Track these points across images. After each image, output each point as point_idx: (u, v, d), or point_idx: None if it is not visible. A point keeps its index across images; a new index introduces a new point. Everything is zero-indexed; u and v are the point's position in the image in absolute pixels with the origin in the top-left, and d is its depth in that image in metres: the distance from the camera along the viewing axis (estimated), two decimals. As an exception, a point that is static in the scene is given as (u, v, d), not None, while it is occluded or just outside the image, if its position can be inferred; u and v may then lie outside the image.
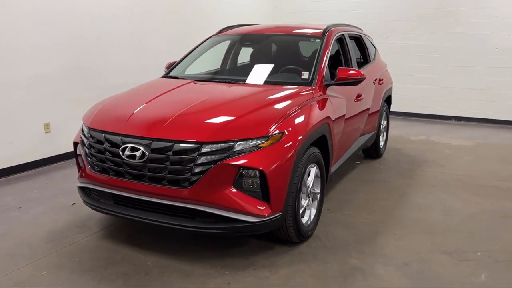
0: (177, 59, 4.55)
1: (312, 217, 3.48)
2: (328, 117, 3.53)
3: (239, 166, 2.77)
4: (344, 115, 3.99)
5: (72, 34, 5.31)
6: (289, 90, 3.56)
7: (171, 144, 2.83)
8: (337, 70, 3.78)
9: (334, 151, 3.80)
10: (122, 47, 5.99)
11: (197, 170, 2.78)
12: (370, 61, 5.33)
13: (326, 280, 2.87)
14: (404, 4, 8.41)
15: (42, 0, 4.93)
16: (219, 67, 5.00)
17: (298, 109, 3.21)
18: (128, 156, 2.91)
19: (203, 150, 2.78)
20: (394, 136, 7.01)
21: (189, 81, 3.92)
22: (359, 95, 4.43)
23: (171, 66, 4.44)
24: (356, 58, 5.26)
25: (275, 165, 2.84)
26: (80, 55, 5.45)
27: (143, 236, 3.45)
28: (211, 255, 3.16)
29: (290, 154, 2.93)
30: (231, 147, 2.79)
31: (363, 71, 4.69)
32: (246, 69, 4.16)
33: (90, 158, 3.17)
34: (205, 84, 3.89)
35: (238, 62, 4.98)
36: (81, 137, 3.30)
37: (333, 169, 3.94)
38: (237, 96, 3.48)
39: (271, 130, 2.89)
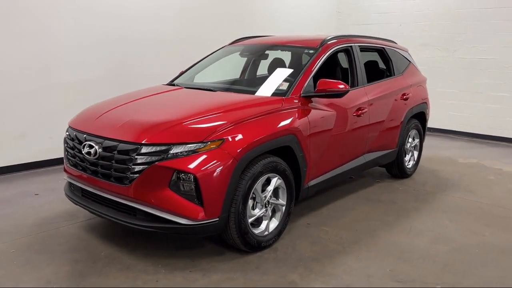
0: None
1: (273, 228, 3.45)
2: (295, 128, 3.47)
3: (173, 168, 2.89)
4: (330, 129, 3.87)
5: (114, 38, 5.85)
6: (256, 99, 3.58)
7: (116, 144, 3.05)
8: (318, 82, 3.70)
9: (310, 165, 3.70)
10: (165, 53, 6.41)
11: (136, 169, 2.95)
12: (393, 75, 5.06)
13: (251, 291, 2.85)
14: (475, 16, 7.74)
15: (86, 7, 5.54)
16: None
17: (251, 118, 3.22)
18: (86, 153, 3.19)
19: (142, 151, 2.94)
20: (441, 157, 6.51)
21: (178, 88, 4.13)
22: (360, 109, 4.25)
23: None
24: (380, 70, 5.08)
25: (209, 170, 2.90)
26: (122, 61, 5.98)
27: (117, 229, 3.71)
28: (162, 254, 3.30)
29: (228, 161, 2.96)
30: (168, 150, 2.92)
31: (377, 84, 4.55)
32: (241, 79, 4.24)
33: (66, 153, 3.52)
34: (188, 91, 4.04)
35: (247, 72, 5.09)
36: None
37: (313, 182, 3.84)
38: (198, 103, 3.59)
39: (210, 136, 2.96)
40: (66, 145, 3.53)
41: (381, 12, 8.85)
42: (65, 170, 3.57)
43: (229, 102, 3.52)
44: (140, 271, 3.06)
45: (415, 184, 5.18)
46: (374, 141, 4.62)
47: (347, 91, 3.71)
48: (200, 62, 4.76)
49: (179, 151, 2.92)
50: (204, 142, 2.94)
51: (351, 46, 4.44)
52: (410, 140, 5.35)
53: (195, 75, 4.65)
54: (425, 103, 5.51)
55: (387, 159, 4.99)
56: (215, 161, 2.93)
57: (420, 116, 5.50)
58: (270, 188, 3.37)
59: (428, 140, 7.74)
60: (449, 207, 4.46)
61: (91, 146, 3.16)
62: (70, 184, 3.62)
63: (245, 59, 5.12)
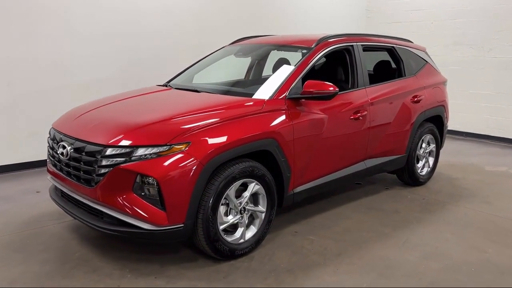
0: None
1: (250, 236, 3.31)
2: (276, 132, 3.30)
3: (135, 172, 2.82)
4: (320, 133, 3.67)
5: (128, 37, 5.90)
6: (235, 101, 3.44)
7: (84, 145, 3.02)
8: (304, 83, 3.51)
9: (295, 170, 3.52)
10: (181, 53, 6.39)
11: (101, 172, 2.91)
12: (403, 76, 4.75)
13: (210, 302, 2.72)
14: (513, 12, 7.18)
15: (102, 6, 5.62)
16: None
17: (225, 121, 3.10)
18: (61, 153, 3.18)
19: (106, 153, 2.89)
20: (466, 164, 6.07)
21: (167, 89, 4.07)
22: (358, 112, 4.01)
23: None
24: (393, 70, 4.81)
25: (172, 174, 2.81)
26: (135, 61, 6.02)
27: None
28: (133, 257, 3.24)
29: (193, 165, 2.85)
30: (131, 153, 2.85)
31: (381, 86, 4.31)
32: (240, 80, 4.11)
33: (48, 153, 3.55)
34: (174, 92, 3.96)
35: (251, 73, 4.97)
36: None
37: (299, 189, 3.65)
38: (175, 105, 3.51)
39: (174, 139, 2.87)
40: (48, 145, 3.56)
41: (412, 9, 8.41)
42: (47, 170, 3.60)
43: (206, 104, 3.42)
44: (105, 275, 3.01)
45: (427, 193, 4.84)
46: (377, 146, 4.35)
47: (335, 93, 3.49)
48: (199, 63, 4.68)
49: (143, 153, 2.84)
50: (169, 145, 2.85)
51: (351, 46, 4.20)
52: (423, 145, 5.01)
53: (194, 75, 4.58)
54: (442, 106, 5.14)
55: (395, 166, 4.69)
56: (178, 165, 2.83)
57: (437, 120, 5.14)
58: (247, 194, 3.23)
59: (457, 145, 7.28)
60: (456, 219, 4.11)
61: (63, 147, 3.16)
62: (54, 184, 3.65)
63: (250, 59, 5.02)
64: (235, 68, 5.30)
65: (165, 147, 2.84)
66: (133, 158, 2.84)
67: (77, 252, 3.32)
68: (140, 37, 6.03)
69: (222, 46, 4.83)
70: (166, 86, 4.25)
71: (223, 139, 3.01)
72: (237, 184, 3.14)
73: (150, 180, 2.82)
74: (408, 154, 4.75)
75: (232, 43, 4.83)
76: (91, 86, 5.71)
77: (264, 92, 3.56)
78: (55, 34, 5.34)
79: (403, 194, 4.79)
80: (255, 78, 4.94)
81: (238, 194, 3.23)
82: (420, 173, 5.03)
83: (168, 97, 3.81)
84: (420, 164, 5.03)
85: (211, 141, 2.96)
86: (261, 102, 3.40)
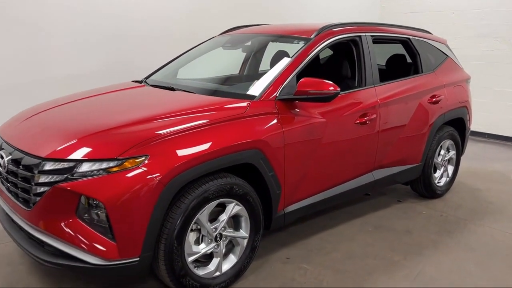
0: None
1: (227, 267, 2.72)
2: (262, 141, 2.70)
3: (77, 192, 2.24)
4: (319, 141, 3.06)
5: (108, 33, 5.31)
6: (213, 103, 2.84)
7: (22, 156, 2.45)
8: (298, 82, 2.89)
9: (286, 186, 2.92)
10: (174, 44, 5.77)
11: (38, 190, 2.33)
12: (421, 72, 4.08)
13: None
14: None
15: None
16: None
17: (195, 128, 2.50)
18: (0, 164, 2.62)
19: (44, 168, 2.32)
20: (490, 172, 5.40)
21: (140, 86, 3.48)
22: (365, 115, 3.38)
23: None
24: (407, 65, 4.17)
25: (124, 196, 2.22)
26: (119, 54, 5.43)
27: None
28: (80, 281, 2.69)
29: (151, 185, 2.26)
30: (73, 168, 2.27)
31: (394, 84, 3.71)
32: (229, 76, 3.52)
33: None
34: (146, 90, 3.37)
35: (247, 67, 4.35)
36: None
37: (292, 208, 3.05)
38: (140, 107, 2.91)
39: (127, 151, 2.28)
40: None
41: (431, -3, 7.68)
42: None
43: (177, 106, 2.82)
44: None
45: (445, 208, 4.19)
46: (388, 154, 3.71)
47: (336, 94, 2.87)
48: (184, 55, 4.08)
49: (88, 169, 2.26)
50: (120, 159, 2.26)
51: (359, 36, 3.56)
52: (442, 152, 4.35)
53: (178, 70, 3.97)
54: (464, 107, 4.46)
55: (408, 176, 4.05)
56: (132, 184, 2.24)
57: (458, 123, 4.47)
58: (224, 217, 2.63)
59: (478, 148, 6.58)
60: (481, 244, 3.47)
61: (1, 157, 2.60)
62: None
63: (243, 51, 4.41)
64: (230, 61, 4.70)
65: (115, 161, 2.26)
66: (75, 175, 2.26)
67: (22, 282, 2.77)
68: (127, 26, 5.42)
69: (211, 37, 4.21)
70: (141, 82, 3.66)
71: (192, 150, 2.41)
72: (211, 205, 2.55)
73: (96, 204, 2.25)
74: (424, 163, 4.11)
75: (223, 33, 4.21)
76: (71, 82, 5.12)
77: (251, 91, 2.95)
78: (27, 22, 4.76)
79: (418, 209, 4.14)
80: (250, 73, 4.33)
81: (214, 217, 2.64)
82: (438, 184, 4.38)
83: (135, 96, 3.22)
84: (437, 174, 4.38)
85: (176, 153, 2.36)
86: (244, 104, 2.79)
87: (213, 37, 4.18)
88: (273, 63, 3.72)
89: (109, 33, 5.26)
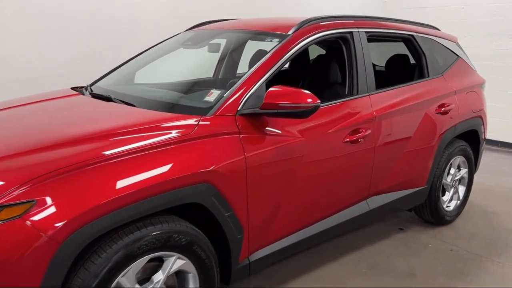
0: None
1: None
2: (214, 172, 2.01)
3: None
4: (295, 167, 2.38)
5: (74, 33, 4.64)
6: (149, 121, 2.15)
7: None
8: (266, 92, 2.20)
9: (250, 228, 2.24)
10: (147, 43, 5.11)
11: None
12: (427, 75, 3.39)
13: None
14: None
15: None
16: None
17: (117, 157, 1.82)
18: None
19: None
20: (508, 190, 4.67)
21: (74, 94, 2.80)
22: (357, 131, 2.69)
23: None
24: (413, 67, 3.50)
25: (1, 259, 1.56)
26: (81, 56, 4.77)
27: None
28: None
29: (41, 243, 1.59)
30: None
31: (393, 91, 3.05)
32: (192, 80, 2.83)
33: None
34: (76, 101, 2.68)
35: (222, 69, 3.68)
36: None
37: (260, 255, 2.37)
38: (49, 127, 2.21)
39: (4, 196, 1.60)
40: None
41: (438, -9, 6.97)
42: None
43: (100, 126, 2.14)
44: None
45: (456, 239, 3.50)
46: (386, 177, 3.03)
47: (314, 108, 2.18)
48: (142, 55, 3.40)
49: (-45, 220, 1.59)
50: (-4, 207, 1.59)
51: (350, 33, 2.87)
52: (452, 171, 3.65)
53: (135, 73, 3.30)
54: (479, 117, 3.76)
55: (412, 202, 3.37)
56: (10, 243, 1.57)
57: (471, 136, 3.77)
58: (160, 277, 1.95)
59: (491, 159, 5.83)
60: (501, 291, 2.78)
61: None
62: None
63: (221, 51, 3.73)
64: (203, 62, 4.03)
65: (-12, 209, 1.58)
66: None
67: None
68: (95, 24, 4.73)
69: (175, 34, 3.53)
70: (82, 88, 2.97)
71: (108, 189, 1.73)
72: (139, 263, 1.87)
73: (-36, 269, 1.58)
74: (430, 185, 3.41)
75: (189, 29, 3.53)
76: (26, 85, 4.46)
77: (203, 104, 2.27)
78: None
79: (423, 241, 3.45)
80: (225, 77, 3.65)
81: (150, 275, 1.97)
82: (447, 209, 3.68)
83: (54, 112, 2.51)
84: (446, 197, 3.68)
85: (82, 194, 1.69)
86: (191, 122, 2.11)
87: (178, 34, 3.50)
88: (252, 63, 3.04)
89: (73, 31, 4.58)
